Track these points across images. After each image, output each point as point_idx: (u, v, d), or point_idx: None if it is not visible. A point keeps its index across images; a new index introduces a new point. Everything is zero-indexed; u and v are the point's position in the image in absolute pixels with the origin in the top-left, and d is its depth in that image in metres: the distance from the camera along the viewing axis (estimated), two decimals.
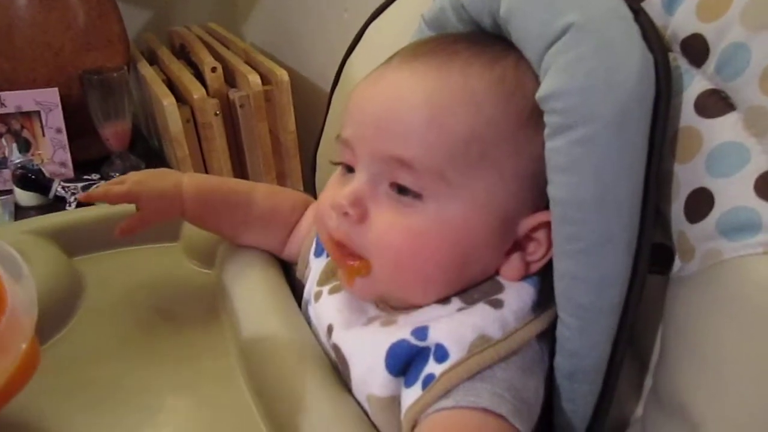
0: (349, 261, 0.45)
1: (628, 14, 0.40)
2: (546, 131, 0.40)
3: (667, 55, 0.41)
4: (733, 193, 0.37)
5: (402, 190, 0.43)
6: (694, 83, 0.40)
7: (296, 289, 0.58)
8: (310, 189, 0.72)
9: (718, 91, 0.39)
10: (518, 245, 0.45)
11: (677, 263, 0.42)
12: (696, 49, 0.40)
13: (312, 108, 1.23)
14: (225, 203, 0.60)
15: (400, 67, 0.44)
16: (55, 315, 0.57)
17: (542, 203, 0.43)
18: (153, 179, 0.59)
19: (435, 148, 0.41)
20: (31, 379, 0.37)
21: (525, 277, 0.45)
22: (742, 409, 0.36)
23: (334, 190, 0.46)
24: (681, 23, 0.41)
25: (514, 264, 0.45)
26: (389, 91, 0.44)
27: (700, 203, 0.39)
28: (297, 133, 1.19)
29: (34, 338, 0.37)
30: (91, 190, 0.58)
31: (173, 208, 0.59)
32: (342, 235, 0.44)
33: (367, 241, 0.43)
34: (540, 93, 0.40)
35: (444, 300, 0.44)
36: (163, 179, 0.59)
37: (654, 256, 0.42)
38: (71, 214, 0.70)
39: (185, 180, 0.59)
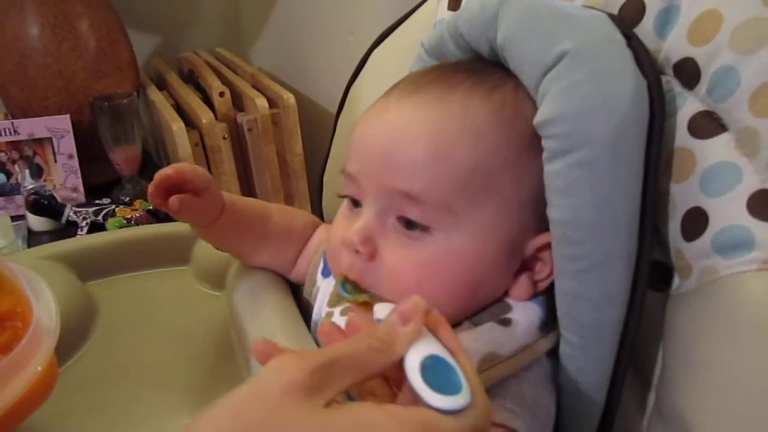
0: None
1: (621, 40, 0.41)
2: (544, 155, 0.41)
3: (660, 79, 0.42)
4: (727, 212, 0.38)
5: (409, 223, 0.43)
6: (687, 105, 0.42)
7: (303, 308, 0.59)
8: (318, 210, 0.73)
9: (710, 112, 0.40)
10: (525, 265, 0.46)
11: (676, 281, 0.43)
12: (688, 72, 0.41)
13: (319, 130, 1.25)
14: (249, 218, 0.60)
15: (402, 100, 0.45)
16: (69, 338, 0.58)
17: (545, 224, 0.44)
18: (213, 187, 0.56)
19: (440, 180, 0.42)
20: (48, 398, 0.38)
21: (532, 297, 0.46)
22: (744, 424, 0.37)
23: (343, 225, 0.47)
24: (673, 47, 0.42)
25: (522, 284, 0.45)
26: (392, 126, 0.44)
27: (696, 222, 0.40)
28: (304, 155, 1.20)
29: (52, 358, 0.38)
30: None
31: (215, 213, 0.57)
32: (356, 275, 0.45)
33: (379, 278, 0.44)
34: (537, 119, 0.41)
35: (454, 324, 0.45)
36: (216, 183, 0.57)
37: (654, 274, 0.43)
38: (85, 240, 0.72)
39: (224, 194, 0.58)
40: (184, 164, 0.54)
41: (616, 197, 0.40)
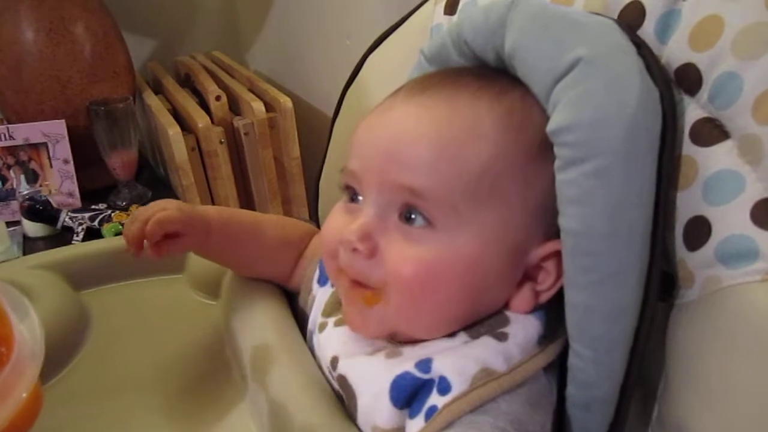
0: (362, 290, 0.45)
1: (632, 48, 0.41)
2: (557, 164, 0.41)
3: (671, 88, 0.41)
4: (730, 221, 0.37)
5: (412, 215, 0.42)
6: (689, 112, 0.41)
7: (299, 317, 0.58)
8: (315, 215, 0.73)
9: (712, 119, 0.39)
10: (528, 275, 0.45)
11: (679, 290, 0.42)
12: (690, 78, 0.41)
13: (316, 134, 1.24)
14: (240, 235, 0.59)
15: (408, 100, 0.44)
16: (62, 349, 0.57)
17: (551, 233, 0.43)
18: (189, 209, 0.56)
19: (446, 180, 0.41)
20: (34, 423, 0.37)
21: (533, 310, 0.45)
22: None
23: (340, 221, 0.46)
24: (674, 53, 0.41)
25: (524, 295, 0.44)
26: (398, 124, 0.44)
27: (698, 231, 0.39)
28: (301, 159, 1.20)
29: (37, 383, 0.37)
30: (137, 226, 0.53)
31: (199, 240, 0.56)
32: (356, 273, 0.44)
33: (380, 274, 0.43)
34: (551, 126, 0.41)
35: (450, 334, 0.44)
36: (194, 210, 0.56)
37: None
38: (77, 248, 0.71)
39: (211, 215, 0.57)
40: (153, 222, 0.53)
41: (630, 207, 0.39)
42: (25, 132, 1.14)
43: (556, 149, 0.41)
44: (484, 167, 0.42)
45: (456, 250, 0.42)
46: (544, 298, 0.45)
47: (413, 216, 0.42)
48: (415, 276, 0.42)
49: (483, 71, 0.47)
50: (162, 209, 0.54)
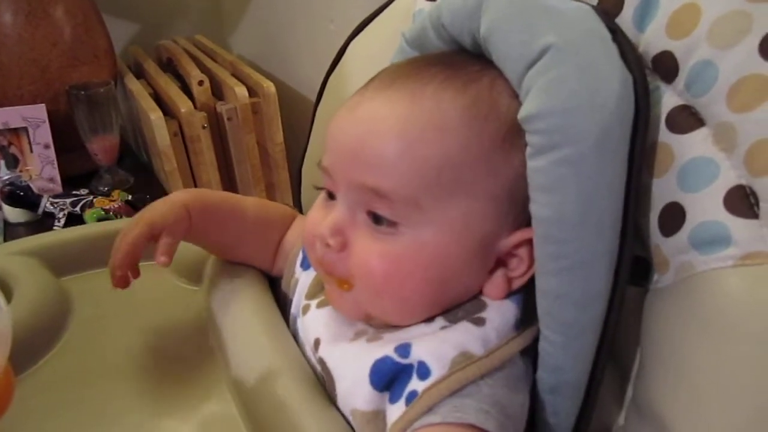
0: (336, 278, 0.46)
1: (607, 34, 0.41)
2: (528, 151, 0.41)
3: (645, 74, 0.41)
4: (704, 208, 0.38)
5: (378, 219, 0.43)
6: (665, 99, 0.41)
7: (282, 301, 0.58)
8: (299, 201, 0.73)
9: (688, 107, 0.40)
10: (500, 262, 0.45)
11: (654, 275, 0.43)
12: (666, 65, 0.41)
13: (299, 119, 1.24)
14: (221, 216, 0.59)
15: (375, 95, 0.44)
16: (43, 335, 0.57)
17: (522, 221, 0.43)
18: (162, 207, 0.56)
19: (408, 177, 0.42)
20: (6, 411, 0.37)
21: (508, 295, 0.45)
22: (716, 420, 0.37)
23: (319, 215, 0.47)
24: (652, 40, 0.42)
25: (496, 282, 0.45)
26: (363, 121, 0.44)
27: (673, 217, 0.40)
28: (285, 144, 1.19)
29: (7, 368, 0.37)
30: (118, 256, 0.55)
31: (184, 228, 0.57)
32: (326, 265, 0.46)
33: (350, 269, 0.44)
34: (522, 114, 0.41)
35: (428, 319, 0.45)
36: (171, 204, 0.56)
37: (632, 269, 0.42)
38: (58, 234, 0.70)
39: (187, 198, 0.57)
40: (122, 254, 0.54)
41: (601, 195, 0.39)
42: (5, 116, 1.12)
43: (527, 137, 0.41)
44: (446, 161, 0.42)
45: (420, 244, 0.43)
46: (517, 284, 0.45)
47: (379, 217, 0.43)
48: (379, 271, 0.43)
49: (456, 57, 0.47)
50: (124, 234, 0.55)
